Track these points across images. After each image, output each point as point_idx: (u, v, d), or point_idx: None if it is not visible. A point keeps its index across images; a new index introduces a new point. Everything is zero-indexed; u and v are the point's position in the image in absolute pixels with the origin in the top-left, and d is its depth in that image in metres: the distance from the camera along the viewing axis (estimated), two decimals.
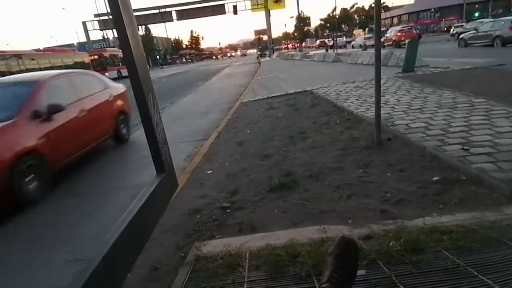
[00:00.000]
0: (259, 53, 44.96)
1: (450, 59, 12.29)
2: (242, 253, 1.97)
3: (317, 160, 3.47)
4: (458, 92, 5.75)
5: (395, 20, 63.87)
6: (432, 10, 54.55)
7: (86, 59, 27.66)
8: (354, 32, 61.83)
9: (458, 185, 2.51)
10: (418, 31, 28.88)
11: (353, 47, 31.98)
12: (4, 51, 19.18)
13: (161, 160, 1.81)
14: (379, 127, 3.63)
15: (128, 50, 1.62)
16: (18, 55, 19.46)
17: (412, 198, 2.40)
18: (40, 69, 19.58)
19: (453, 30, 28.63)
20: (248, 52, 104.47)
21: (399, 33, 26.08)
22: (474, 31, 16.63)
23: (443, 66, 9.71)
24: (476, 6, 51.10)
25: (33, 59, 20.33)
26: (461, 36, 18.15)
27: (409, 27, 29.66)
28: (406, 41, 23.80)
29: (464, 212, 2.12)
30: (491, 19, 19.09)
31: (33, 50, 24.43)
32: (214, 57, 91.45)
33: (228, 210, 2.70)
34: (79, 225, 3.07)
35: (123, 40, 1.62)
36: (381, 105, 3.75)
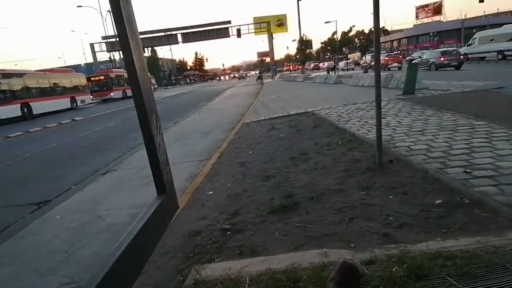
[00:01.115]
0: (258, 75, 45.33)
1: (449, 81, 12.47)
2: (242, 277, 1.93)
3: (319, 182, 3.46)
4: (459, 114, 5.79)
5: (395, 44, 65.25)
6: (431, 34, 55.78)
7: (83, 80, 27.24)
8: (349, 56, 63.35)
9: (461, 208, 2.49)
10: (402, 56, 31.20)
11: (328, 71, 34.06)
12: (6, 70, 19.62)
13: (162, 181, 1.81)
14: (380, 149, 3.64)
15: (133, 72, 1.67)
16: (19, 75, 19.94)
17: (415, 222, 2.37)
18: (40, 88, 20.87)
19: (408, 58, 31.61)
20: (249, 74, 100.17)
21: (386, 58, 29.76)
22: (420, 59, 22.61)
23: (443, 89, 9.83)
24: (474, 30, 52.46)
25: (33, 79, 20.79)
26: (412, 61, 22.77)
27: (396, 52, 32.49)
28: (394, 64, 26.15)
29: (468, 237, 2.09)
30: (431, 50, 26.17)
31: (35, 70, 24.51)
32: (217, 78, 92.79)
33: (228, 232, 2.67)
34: (78, 246, 3.03)
35: (128, 62, 1.67)
36: (382, 127, 3.78)
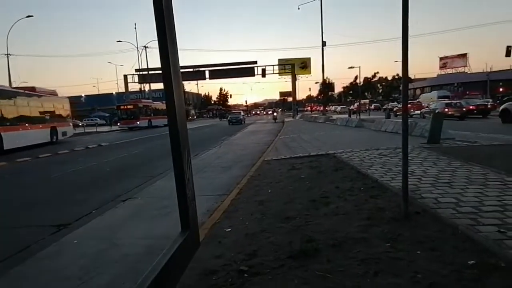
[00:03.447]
0: (275, 114, 43.99)
1: (476, 133, 12.18)
2: None
3: (341, 229, 3.34)
4: (489, 168, 5.57)
5: (418, 92, 65.38)
6: (455, 84, 55.69)
7: (67, 105, 21.08)
8: (362, 101, 65.07)
9: (497, 272, 2.31)
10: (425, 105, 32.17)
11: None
12: None
13: (187, 216, 1.82)
14: (406, 199, 3.51)
15: (172, 108, 1.75)
16: None
17: (446, 282, 2.21)
18: (15, 113, 15.20)
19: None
20: (270, 112, 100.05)
21: (409, 105, 29.62)
22: (428, 108, 25.36)
23: (470, 140, 9.58)
24: (500, 83, 52.27)
25: (6, 97, 15.01)
26: (421, 111, 26.39)
27: (418, 100, 36.24)
28: (415, 112, 26.67)
29: None
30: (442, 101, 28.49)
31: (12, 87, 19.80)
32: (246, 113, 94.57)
33: (245, 274, 2.58)
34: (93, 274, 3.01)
35: (169, 97, 1.76)
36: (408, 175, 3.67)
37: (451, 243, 2.81)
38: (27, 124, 15.80)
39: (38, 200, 6.00)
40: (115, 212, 5.04)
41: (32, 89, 17.67)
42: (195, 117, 61.23)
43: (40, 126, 17.14)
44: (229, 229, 3.71)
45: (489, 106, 24.75)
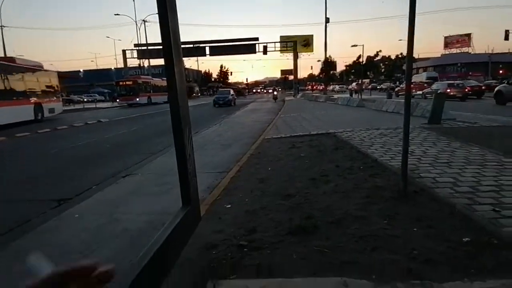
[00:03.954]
0: (275, 93, 38.95)
1: (476, 114, 12.13)
2: None
3: (340, 206, 3.38)
4: (487, 149, 5.58)
5: (421, 72, 64.50)
6: (459, 64, 54.92)
7: (54, 79, 19.17)
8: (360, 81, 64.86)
9: (490, 249, 2.37)
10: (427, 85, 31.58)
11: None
12: None
13: (188, 192, 1.82)
14: (405, 179, 3.54)
15: (173, 85, 1.71)
16: None
17: (442, 259, 2.26)
18: None
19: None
20: (270, 90, 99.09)
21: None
22: (430, 89, 24.57)
23: (471, 121, 9.55)
24: (500, 65, 51.80)
25: None
26: (423, 91, 26.19)
27: (420, 81, 34.44)
28: (418, 92, 26.35)
29: (495, 279, 1.98)
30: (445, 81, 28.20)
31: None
32: (247, 92, 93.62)
33: (245, 249, 2.63)
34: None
35: (169, 74, 1.72)
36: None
37: (448, 221, 2.85)
38: (2, 100, 14.03)
39: (38, 175, 6.03)
40: (116, 187, 5.08)
41: (11, 59, 15.94)
42: (199, 94, 60.00)
43: (21, 102, 15.40)
44: (229, 206, 3.75)
45: (483, 87, 24.85)
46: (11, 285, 2.13)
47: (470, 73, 51.71)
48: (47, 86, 18.32)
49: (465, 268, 2.14)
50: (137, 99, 31.14)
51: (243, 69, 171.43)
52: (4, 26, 33.78)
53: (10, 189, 5.19)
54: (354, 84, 50.40)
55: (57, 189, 5.06)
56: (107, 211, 4.06)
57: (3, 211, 4.30)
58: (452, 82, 25.16)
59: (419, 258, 2.28)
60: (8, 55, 29.45)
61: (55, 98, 19.36)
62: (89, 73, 58.94)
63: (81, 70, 56.68)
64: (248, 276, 2.22)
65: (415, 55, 63.28)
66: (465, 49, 61.58)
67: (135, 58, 46.98)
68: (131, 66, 49.33)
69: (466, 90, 22.35)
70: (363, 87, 44.45)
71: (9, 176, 6.09)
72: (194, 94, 53.50)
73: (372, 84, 53.52)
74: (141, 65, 48.29)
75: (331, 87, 61.43)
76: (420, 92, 27.48)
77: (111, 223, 3.69)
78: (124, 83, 32.41)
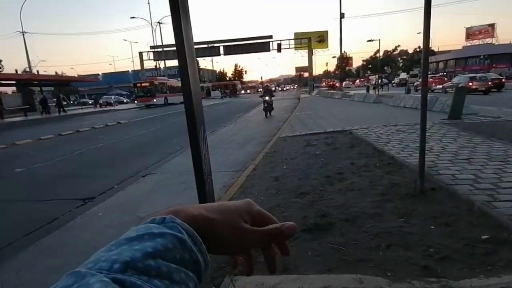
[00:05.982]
0: (267, 98, 30.60)
1: (500, 108, 11.69)
2: None
3: (355, 204, 3.39)
4: (510, 145, 5.41)
5: (441, 65, 62.48)
6: (482, 57, 52.81)
7: None
8: (370, 77, 62.67)
9: (508, 246, 2.33)
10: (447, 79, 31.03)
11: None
12: None
13: (204, 190, 1.90)
14: (422, 175, 3.50)
15: (187, 86, 1.79)
16: None
17: (458, 256, 2.24)
18: None
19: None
20: (286, 88, 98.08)
21: (431, 79, 30.00)
22: (450, 83, 23.97)
23: (493, 116, 9.23)
24: None
25: None
26: (443, 85, 25.40)
27: (441, 74, 33.09)
28: (438, 86, 25.52)
29: (510, 275, 1.95)
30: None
31: None
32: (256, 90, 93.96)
33: None
34: None
35: (183, 76, 1.79)
36: (425, 152, 3.63)
37: (465, 218, 2.81)
38: None
39: (63, 175, 6.30)
40: (136, 186, 5.26)
41: None
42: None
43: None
44: None
45: (503, 80, 24.05)
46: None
47: (493, 65, 49.62)
48: None
49: (482, 265, 2.12)
50: (154, 100, 31.74)
51: (257, 68, 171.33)
52: (26, 32, 35.18)
53: (38, 189, 5.47)
54: (357, 81, 49.31)
55: (82, 188, 5.29)
56: (129, 209, 4.23)
57: (32, 209, 4.54)
58: (474, 75, 24.34)
59: (435, 255, 2.27)
60: (31, 59, 30.48)
61: None
62: (107, 76, 60.54)
63: (100, 73, 58.27)
64: (264, 273, 2.28)
65: (435, 48, 61.50)
66: (488, 40, 59.12)
67: (151, 59, 47.81)
68: (147, 68, 50.29)
69: (489, 83, 21.57)
70: (372, 82, 43.10)
71: (36, 176, 6.40)
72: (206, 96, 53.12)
73: (383, 80, 51.21)
74: (157, 66, 49.15)
75: (343, 84, 58.78)
76: (440, 86, 26.71)
77: (134, 220, 3.83)
78: (141, 84, 33.10)
